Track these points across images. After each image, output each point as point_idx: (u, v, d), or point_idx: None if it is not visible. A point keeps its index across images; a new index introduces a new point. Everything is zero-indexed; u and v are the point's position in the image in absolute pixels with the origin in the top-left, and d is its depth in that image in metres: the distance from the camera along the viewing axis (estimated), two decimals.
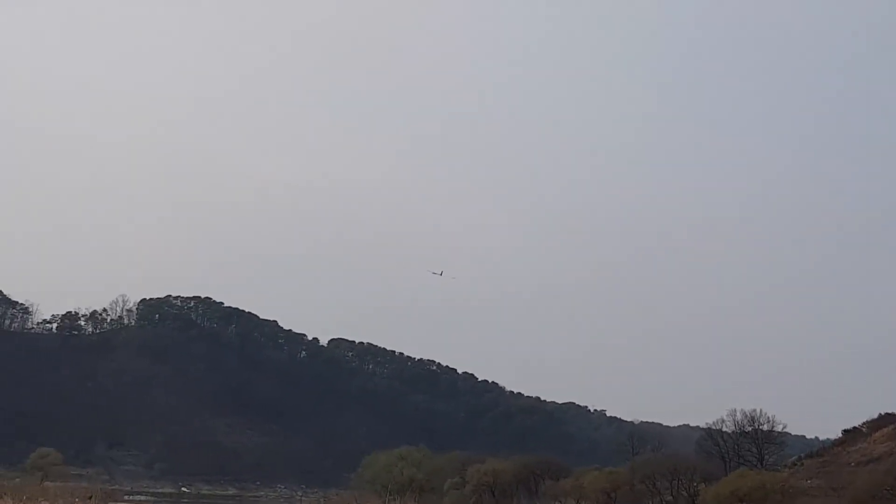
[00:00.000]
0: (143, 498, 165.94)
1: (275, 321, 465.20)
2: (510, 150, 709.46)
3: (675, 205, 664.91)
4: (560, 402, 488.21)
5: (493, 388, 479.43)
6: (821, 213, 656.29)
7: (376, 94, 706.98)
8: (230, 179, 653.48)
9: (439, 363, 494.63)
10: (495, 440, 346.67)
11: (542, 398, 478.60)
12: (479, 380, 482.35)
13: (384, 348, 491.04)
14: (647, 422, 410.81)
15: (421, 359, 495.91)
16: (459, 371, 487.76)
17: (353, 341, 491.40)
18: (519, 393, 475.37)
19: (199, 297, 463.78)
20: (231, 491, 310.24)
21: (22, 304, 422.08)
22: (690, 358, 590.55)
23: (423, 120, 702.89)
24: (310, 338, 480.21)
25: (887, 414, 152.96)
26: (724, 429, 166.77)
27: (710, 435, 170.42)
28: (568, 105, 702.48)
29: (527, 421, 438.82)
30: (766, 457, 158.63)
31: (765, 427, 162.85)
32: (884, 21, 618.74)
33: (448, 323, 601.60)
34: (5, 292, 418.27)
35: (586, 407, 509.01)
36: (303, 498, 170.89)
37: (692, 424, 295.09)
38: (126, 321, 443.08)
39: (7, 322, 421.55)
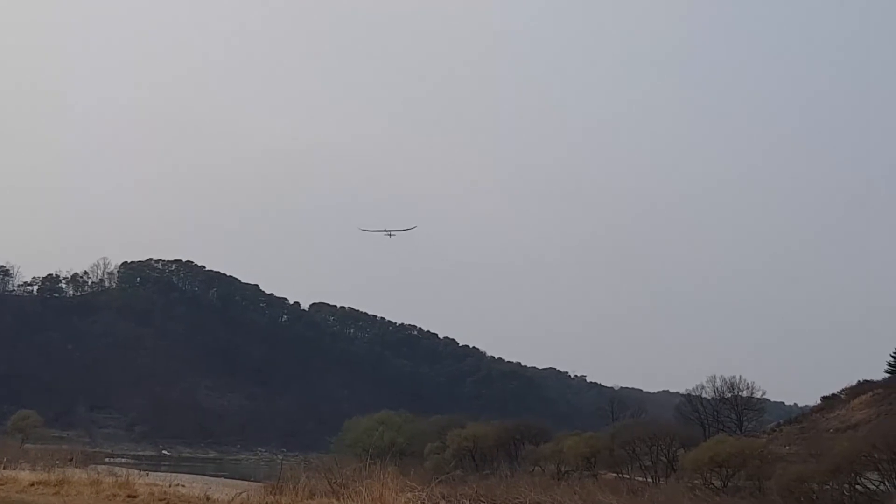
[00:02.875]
0: (123, 461, 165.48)
1: (256, 285, 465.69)
2: (500, 115, 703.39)
3: (663, 177, 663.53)
4: (541, 367, 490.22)
5: (473, 352, 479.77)
6: (814, 190, 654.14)
7: (366, 56, 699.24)
8: (212, 143, 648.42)
9: (420, 328, 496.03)
10: (477, 404, 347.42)
11: (523, 363, 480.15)
12: (461, 345, 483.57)
13: (365, 313, 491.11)
14: (627, 387, 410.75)
15: (402, 323, 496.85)
16: (441, 336, 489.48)
17: (335, 305, 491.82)
18: (500, 358, 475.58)
19: (181, 260, 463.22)
20: (212, 454, 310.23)
21: (2, 265, 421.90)
22: (671, 324, 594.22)
23: (412, 83, 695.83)
24: (291, 302, 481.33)
25: (866, 381, 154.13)
26: (704, 395, 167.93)
27: (690, 401, 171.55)
28: (561, 70, 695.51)
29: (508, 386, 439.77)
30: (745, 423, 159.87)
31: (744, 393, 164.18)
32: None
33: (429, 288, 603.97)
34: None
35: (567, 373, 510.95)
36: (283, 461, 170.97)
37: (672, 390, 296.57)
38: (107, 284, 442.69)
39: None
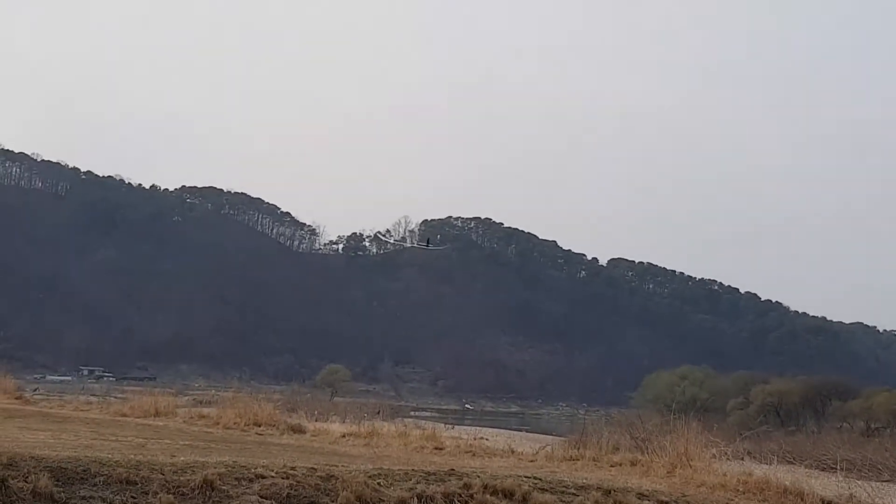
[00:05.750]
0: (428, 414, 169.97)
1: (553, 241, 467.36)
2: (794, 68, 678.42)
3: None
4: (847, 322, 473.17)
5: (776, 307, 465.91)
6: None
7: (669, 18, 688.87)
8: (512, 103, 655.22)
9: (721, 283, 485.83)
10: (779, 361, 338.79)
11: (829, 318, 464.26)
12: (763, 299, 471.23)
13: (664, 268, 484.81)
14: None
15: (702, 278, 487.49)
16: (742, 291, 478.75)
17: (633, 261, 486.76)
18: (804, 313, 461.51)
19: (479, 217, 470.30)
20: (514, 408, 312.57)
21: (309, 225, 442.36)
22: None
23: (718, 44, 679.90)
24: (589, 258, 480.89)
25: None
26: None
27: None
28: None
29: (812, 341, 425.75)
30: None
31: None
32: None
33: (729, 242, 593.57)
34: (293, 214, 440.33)
35: (875, 327, 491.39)
36: (585, 416, 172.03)
37: None
38: (408, 242, 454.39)
39: (296, 243, 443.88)
